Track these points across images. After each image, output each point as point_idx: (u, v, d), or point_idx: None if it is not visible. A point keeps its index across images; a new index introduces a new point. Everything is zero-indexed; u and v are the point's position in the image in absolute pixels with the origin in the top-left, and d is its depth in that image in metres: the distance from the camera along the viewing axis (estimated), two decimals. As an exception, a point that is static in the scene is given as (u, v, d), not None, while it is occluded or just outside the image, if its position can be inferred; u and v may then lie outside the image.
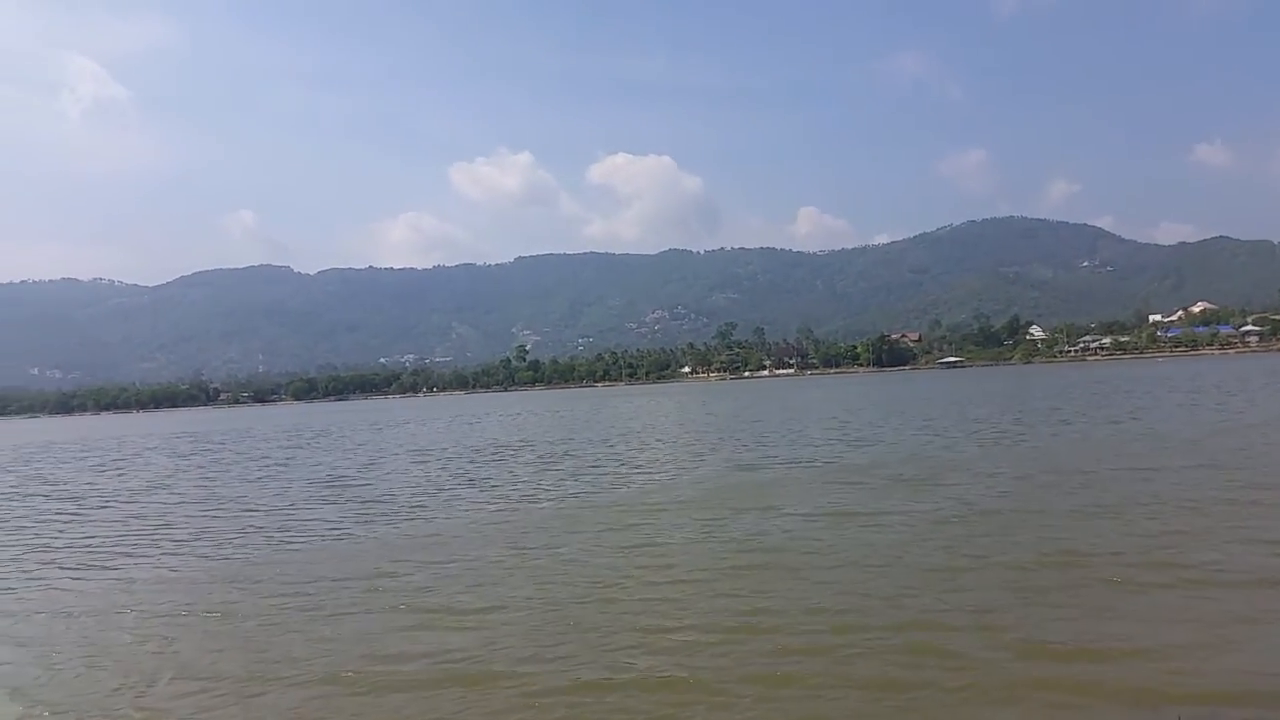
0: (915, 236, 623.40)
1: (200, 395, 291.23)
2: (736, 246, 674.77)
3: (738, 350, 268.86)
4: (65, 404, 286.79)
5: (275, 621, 11.67)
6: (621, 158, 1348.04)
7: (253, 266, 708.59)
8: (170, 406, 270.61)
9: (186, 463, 41.95)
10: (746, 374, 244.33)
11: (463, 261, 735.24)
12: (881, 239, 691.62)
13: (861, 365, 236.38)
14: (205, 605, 12.76)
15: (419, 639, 10.57)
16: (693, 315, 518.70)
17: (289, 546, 17.10)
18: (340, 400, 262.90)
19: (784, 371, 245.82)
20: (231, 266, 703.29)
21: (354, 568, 14.63)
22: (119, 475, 36.41)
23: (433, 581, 13.38)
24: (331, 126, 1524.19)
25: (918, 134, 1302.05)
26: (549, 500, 21.40)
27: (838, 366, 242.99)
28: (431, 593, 12.74)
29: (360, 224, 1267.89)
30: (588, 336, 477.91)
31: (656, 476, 25.17)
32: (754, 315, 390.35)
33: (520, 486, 24.35)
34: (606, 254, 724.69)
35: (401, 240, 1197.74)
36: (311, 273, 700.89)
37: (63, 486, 32.81)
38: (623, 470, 27.24)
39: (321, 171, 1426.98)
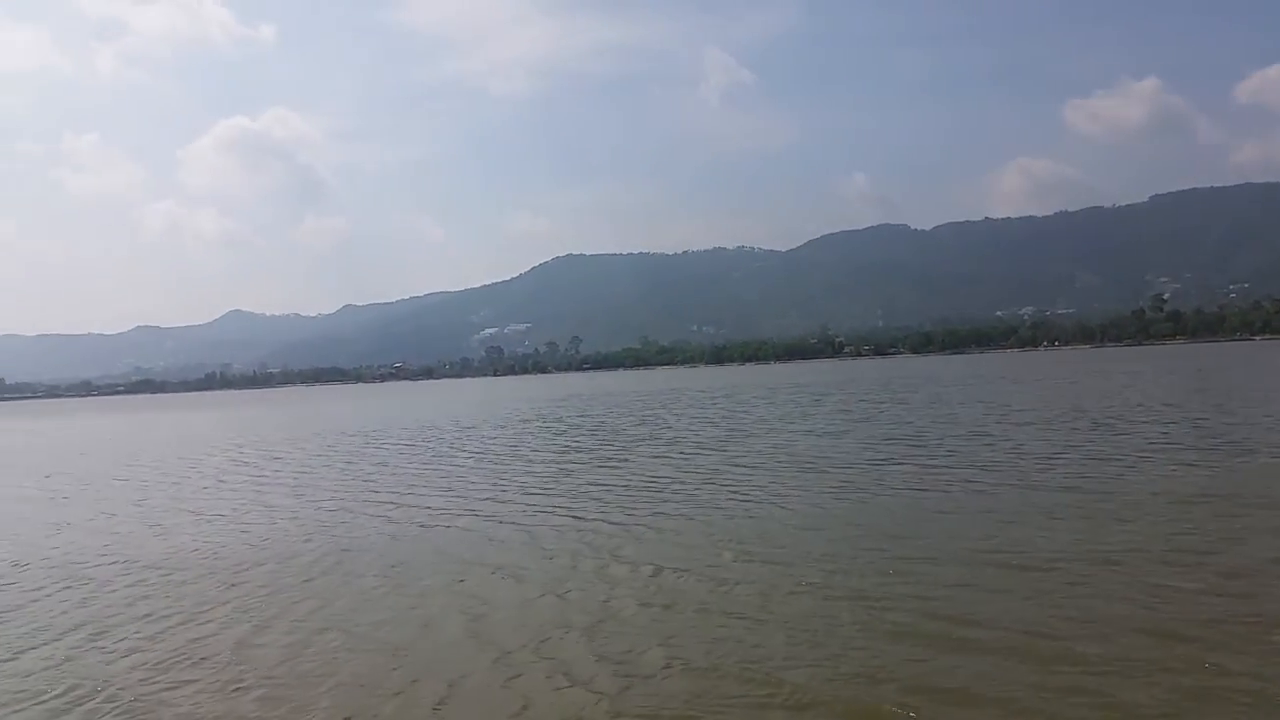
0: None
1: (826, 348, 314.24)
2: None
3: None
4: (717, 356, 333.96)
5: (711, 595, 11.15)
6: (1277, 69, 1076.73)
7: (872, 227, 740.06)
8: (800, 358, 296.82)
9: (778, 411, 46.06)
10: None
11: (1087, 205, 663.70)
12: None
13: None
14: (639, 559, 13.26)
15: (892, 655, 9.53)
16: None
17: (780, 510, 17.63)
18: (955, 354, 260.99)
19: None
20: (853, 228, 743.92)
21: (815, 543, 14.45)
22: (711, 423, 41.55)
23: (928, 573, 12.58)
24: (933, 81, 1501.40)
25: None
26: (1144, 482, 18.50)
27: None
28: (911, 589, 11.93)
29: (970, 176, 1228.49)
30: (1243, 282, 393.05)
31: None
32: None
33: (1112, 469, 21.31)
34: (1266, 184, 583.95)
35: (1015, 188, 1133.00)
36: (927, 228, 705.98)
37: (656, 427, 38.71)
38: (1251, 450, 21.82)
39: (927, 127, 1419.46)
